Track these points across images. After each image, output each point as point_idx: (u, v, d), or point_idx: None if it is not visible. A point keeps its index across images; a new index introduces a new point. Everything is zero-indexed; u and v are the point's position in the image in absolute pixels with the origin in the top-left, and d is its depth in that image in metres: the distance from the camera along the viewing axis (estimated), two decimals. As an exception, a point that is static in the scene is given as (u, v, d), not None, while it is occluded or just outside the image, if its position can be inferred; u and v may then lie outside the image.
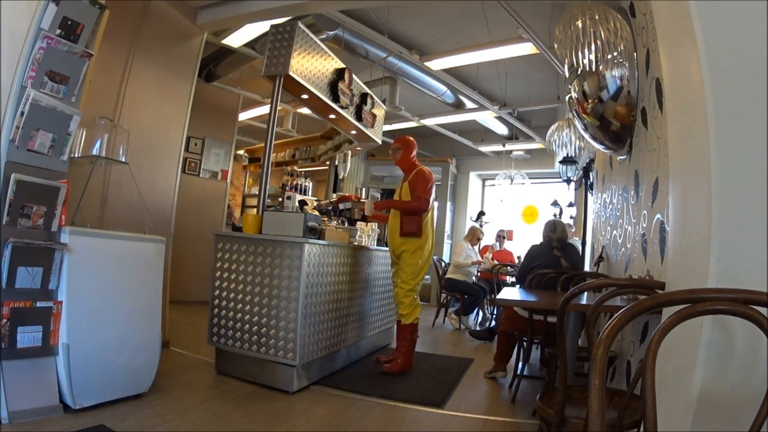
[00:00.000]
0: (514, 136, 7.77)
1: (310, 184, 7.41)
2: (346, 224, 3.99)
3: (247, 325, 2.85)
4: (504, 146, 8.12)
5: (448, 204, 8.96)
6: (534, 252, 3.55)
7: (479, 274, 6.22)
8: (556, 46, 2.46)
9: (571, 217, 7.03)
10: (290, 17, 3.75)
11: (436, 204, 3.99)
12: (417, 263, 3.41)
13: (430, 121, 7.39)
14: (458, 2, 4.30)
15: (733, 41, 1.17)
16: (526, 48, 4.48)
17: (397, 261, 3.49)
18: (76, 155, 2.39)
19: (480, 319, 6.39)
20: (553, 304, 2.07)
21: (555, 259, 3.38)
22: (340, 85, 4.05)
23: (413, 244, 3.41)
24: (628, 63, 2.56)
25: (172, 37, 3.70)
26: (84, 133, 2.43)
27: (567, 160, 5.37)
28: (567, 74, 2.94)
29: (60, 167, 2.18)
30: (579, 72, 2.73)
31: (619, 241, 3.13)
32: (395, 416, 2.55)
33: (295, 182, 7.15)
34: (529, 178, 8.15)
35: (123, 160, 2.60)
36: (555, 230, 3.51)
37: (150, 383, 2.47)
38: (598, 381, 0.74)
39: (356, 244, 3.65)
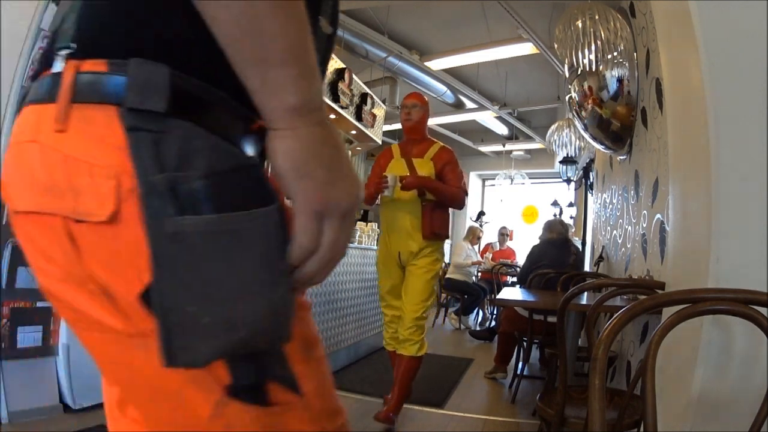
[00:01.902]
0: (514, 136, 7.77)
1: (310, 184, 7.39)
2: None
3: (247, 325, 2.85)
4: (504, 146, 8.12)
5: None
6: (538, 252, 3.51)
7: (479, 274, 6.22)
8: (556, 46, 2.47)
9: (571, 217, 7.03)
10: (290, 17, 3.74)
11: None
12: (437, 274, 2.50)
13: (430, 121, 7.32)
14: (458, 2, 4.30)
15: (732, 41, 1.17)
16: (526, 48, 4.48)
17: (398, 272, 2.48)
18: (76, 155, 2.39)
19: (480, 319, 6.39)
20: (553, 304, 2.07)
21: (561, 258, 3.35)
22: (340, 85, 4.05)
23: (436, 249, 2.46)
24: (628, 63, 2.56)
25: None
26: (84, 133, 2.43)
27: (567, 160, 5.37)
28: (567, 74, 2.94)
29: (60, 167, 2.18)
30: (579, 72, 2.73)
31: (619, 241, 3.13)
32: (395, 416, 2.55)
33: (295, 182, 7.14)
34: (529, 178, 8.15)
35: (123, 160, 2.59)
36: (568, 229, 3.49)
37: (150, 383, 2.46)
38: (598, 381, 0.74)
39: (356, 244, 3.65)
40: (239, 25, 0.38)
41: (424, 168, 2.49)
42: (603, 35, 2.32)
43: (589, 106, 2.77)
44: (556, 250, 3.41)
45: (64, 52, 0.42)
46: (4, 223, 1.98)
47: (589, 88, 2.74)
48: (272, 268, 0.42)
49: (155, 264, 0.38)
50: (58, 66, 0.42)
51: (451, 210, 2.64)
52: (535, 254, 3.51)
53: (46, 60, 0.44)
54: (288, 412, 0.45)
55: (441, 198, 2.44)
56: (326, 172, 0.43)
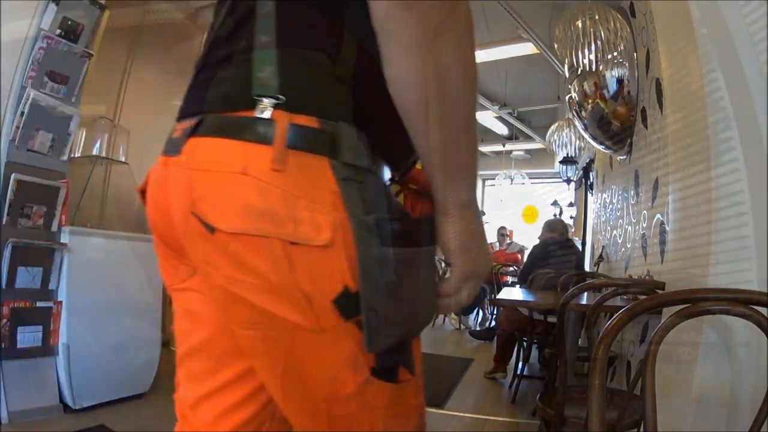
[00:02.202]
0: (514, 136, 7.77)
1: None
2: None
3: (247, 325, 2.84)
4: (504, 146, 8.12)
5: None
6: (540, 252, 3.50)
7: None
8: (556, 46, 2.47)
9: (571, 217, 7.03)
10: (290, 17, 3.74)
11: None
12: None
13: (430, 121, 7.39)
14: (458, 2, 4.30)
15: (732, 41, 1.17)
16: (526, 48, 4.48)
17: None
18: (76, 155, 2.39)
19: (480, 319, 6.39)
20: (553, 304, 2.07)
21: (565, 258, 3.34)
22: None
23: None
24: (628, 63, 2.56)
25: (172, 37, 3.69)
26: (84, 133, 2.43)
27: (567, 160, 5.37)
28: (567, 74, 2.94)
29: (60, 167, 2.18)
30: (579, 72, 2.73)
31: (619, 241, 3.13)
32: (395, 416, 2.54)
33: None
34: (529, 178, 8.15)
35: (123, 160, 2.60)
36: (568, 229, 3.48)
37: (150, 383, 2.46)
38: (598, 381, 0.74)
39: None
40: (443, 144, 0.54)
41: None
42: (603, 35, 2.32)
43: (590, 106, 2.77)
44: (560, 249, 3.41)
45: (269, 101, 0.51)
46: (4, 223, 1.98)
47: (595, 84, 2.73)
48: (434, 286, 0.61)
49: (363, 278, 0.50)
50: (263, 112, 0.51)
51: None
52: (536, 254, 3.50)
53: (234, 100, 0.53)
54: (406, 388, 0.60)
55: (424, 189, 2.30)
56: (478, 249, 0.60)
